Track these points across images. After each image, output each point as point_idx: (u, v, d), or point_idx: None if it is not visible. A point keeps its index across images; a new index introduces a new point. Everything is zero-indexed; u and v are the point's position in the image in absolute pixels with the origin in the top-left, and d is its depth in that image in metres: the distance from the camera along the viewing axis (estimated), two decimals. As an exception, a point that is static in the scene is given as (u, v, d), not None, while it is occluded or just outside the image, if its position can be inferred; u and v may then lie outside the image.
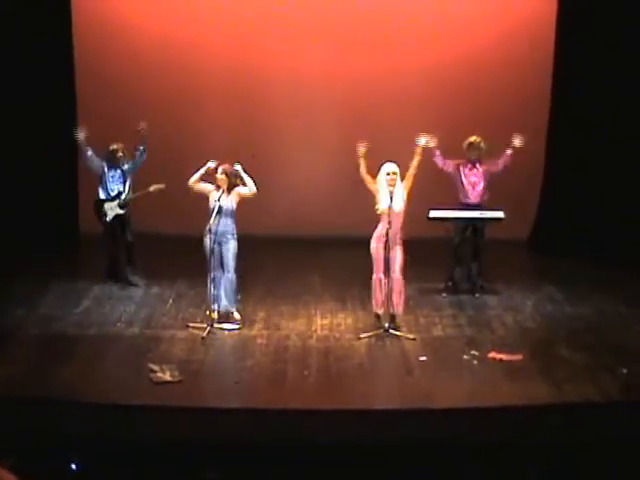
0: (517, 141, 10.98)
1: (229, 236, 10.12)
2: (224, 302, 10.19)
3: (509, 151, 11.06)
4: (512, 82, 13.51)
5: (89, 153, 11.23)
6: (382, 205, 9.82)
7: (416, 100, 13.63)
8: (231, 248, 10.13)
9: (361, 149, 9.94)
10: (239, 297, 10.39)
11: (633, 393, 8.47)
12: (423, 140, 10.10)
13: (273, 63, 13.58)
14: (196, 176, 10.12)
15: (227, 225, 10.09)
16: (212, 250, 9.97)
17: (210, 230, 9.90)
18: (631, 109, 12.92)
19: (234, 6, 13.59)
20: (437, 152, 10.93)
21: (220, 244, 10.10)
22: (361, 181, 9.98)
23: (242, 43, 13.53)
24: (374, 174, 9.96)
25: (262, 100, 13.74)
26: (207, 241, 9.97)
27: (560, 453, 7.73)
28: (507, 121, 13.14)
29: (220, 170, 10.06)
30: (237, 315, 10.24)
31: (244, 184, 10.04)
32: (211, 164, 10.09)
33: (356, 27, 13.47)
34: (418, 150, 10.03)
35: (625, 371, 8.93)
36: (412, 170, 9.98)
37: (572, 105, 13.14)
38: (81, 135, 11.15)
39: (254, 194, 10.07)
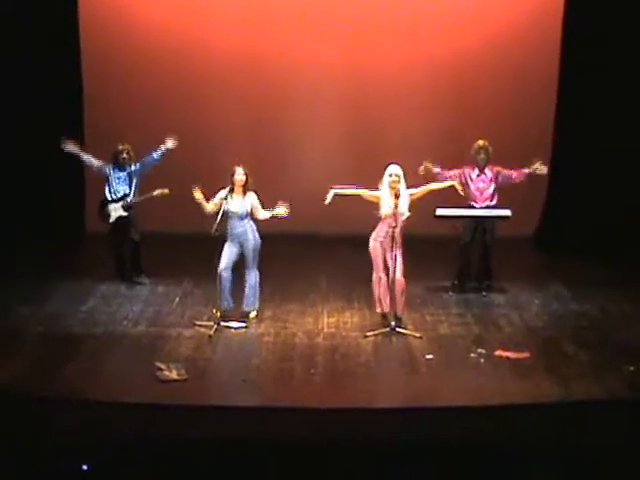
0: (541, 169, 10.98)
1: (249, 235, 10.13)
2: (247, 301, 10.24)
3: (527, 170, 11.01)
4: (518, 81, 13.51)
5: (85, 157, 11.24)
6: (385, 209, 9.83)
7: (421, 95, 13.64)
8: (251, 246, 10.14)
9: (329, 197, 9.90)
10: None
11: (639, 391, 8.46)
12: (450, 183, 10.40)
13: (282, 60, 13.57)
14: (204, 206, 10.01)
15: (243, 226, 10.09)
16: (230, 250, 10.07)
17: (226, 230, 9.95)
18: (637, 107, 12.88)
19: (242, 0, 13.60)
20: (439, 171, 10.89)
21: (241, 245, 10.13)
22: (369, 180, 10.00)
23: (250, 38, 13.53)
24: (376, 176, 9.99)
25: (270, 97, 13.74)
26: (228, 243, 10.05)
27: (567, 451, 7.71)
28: (513, 120, 13.17)
29: (239, 171, 10.04)
30: (253, 314, 10.29)
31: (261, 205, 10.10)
32: (198, 194, 9.99)
33: (363, 22, 13.48)
34: (447, 182, 10.31)
35: (631, 369, 8.92)
36: (431, 188, 10.07)
37: (579, 102, 13.10)
38: (69, 146, 11.16)
39: (261, 220, 10.11)
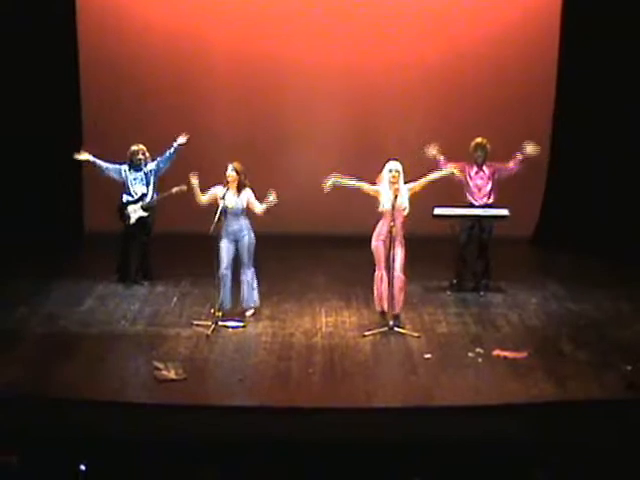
0: (530, 148, 10.87)
1: (245, 232, 10.14)
2: (245, 299, 10.24)
3: (520, 156, 10.95)
4: (516, 79, 13.51)
5: (99, 164, 11.16)
6: (385, 204, 9.83)
7: (419, 95, 13.64)
8: (246, 243, 10.16)
9: (329, 183, 9.90)
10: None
11: (637, 390, 8.46)
12: (449, 171, 10.40)
13: (279, 59, 13.58)
14: (197, 194, 10.04)
15: (239, 223, 10.11)
16: (227, 248, 10.06)
17: (220, 229, 9.91)
18: (635, 107, 12.89)
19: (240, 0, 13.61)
20: (441, 159, 10.88)
21: (237, 241, 10.14)
22: (366, 178, 9.99)
23: (247, 38, 13.55)
24: (374, 175, 9.99)
25: (269, 96, 13.75)
26: (223, 241, 10.03)
27: (565, 451, 7.72)
28: (511, 119, 13.17)
29: (230, 167, 10.06)
30: (251, 311, 10.30)
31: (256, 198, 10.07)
32: (194, 180, 10.00)
33: (361, 20, 13.51)
34: (444, 169, 10.32)
35: (629, 368, 8.93)
36: (430, 179, 10.00)
37: (576, 102, 13.12)
38: (84, 156, 11.10)
39: (260, 214, 10.08)
